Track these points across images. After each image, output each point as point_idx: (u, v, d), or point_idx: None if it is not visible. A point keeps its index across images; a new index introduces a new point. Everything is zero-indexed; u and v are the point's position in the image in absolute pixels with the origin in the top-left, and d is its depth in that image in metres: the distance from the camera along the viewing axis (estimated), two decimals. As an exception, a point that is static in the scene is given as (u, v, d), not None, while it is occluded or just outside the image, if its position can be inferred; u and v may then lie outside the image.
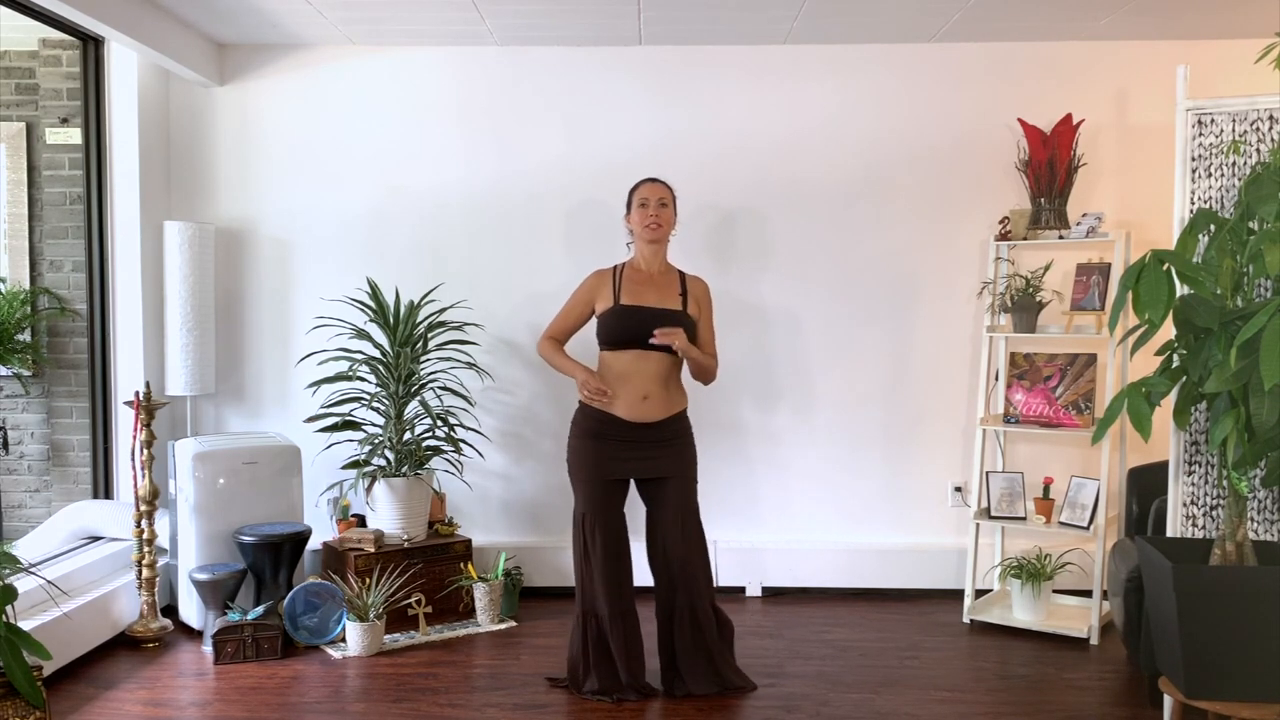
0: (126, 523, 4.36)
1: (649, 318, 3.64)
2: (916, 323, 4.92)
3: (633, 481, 3.75)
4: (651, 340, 3.59)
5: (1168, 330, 3.21)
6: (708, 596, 3.70)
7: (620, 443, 3.66)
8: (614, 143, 4.88)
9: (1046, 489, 4.48)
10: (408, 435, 4.58)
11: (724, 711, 3.57)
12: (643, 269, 3.77)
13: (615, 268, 3.81)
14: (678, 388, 3.75)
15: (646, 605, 3.76)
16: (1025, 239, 4.56)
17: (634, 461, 3.67)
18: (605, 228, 4.83)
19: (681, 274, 3.82)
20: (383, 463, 4.55)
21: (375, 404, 4.56)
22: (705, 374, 3.80)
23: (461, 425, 4.70)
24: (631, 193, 3.81)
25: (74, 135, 4.65)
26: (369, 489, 4.53)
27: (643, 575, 3.79)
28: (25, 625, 3.35)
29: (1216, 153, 3.50)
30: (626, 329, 3.65)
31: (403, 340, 4.56)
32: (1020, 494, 4.50)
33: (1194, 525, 3.50)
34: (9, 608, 3.10)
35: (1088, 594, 4.44)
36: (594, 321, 3.80)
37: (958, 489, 4.92)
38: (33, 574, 3.63)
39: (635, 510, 3.78)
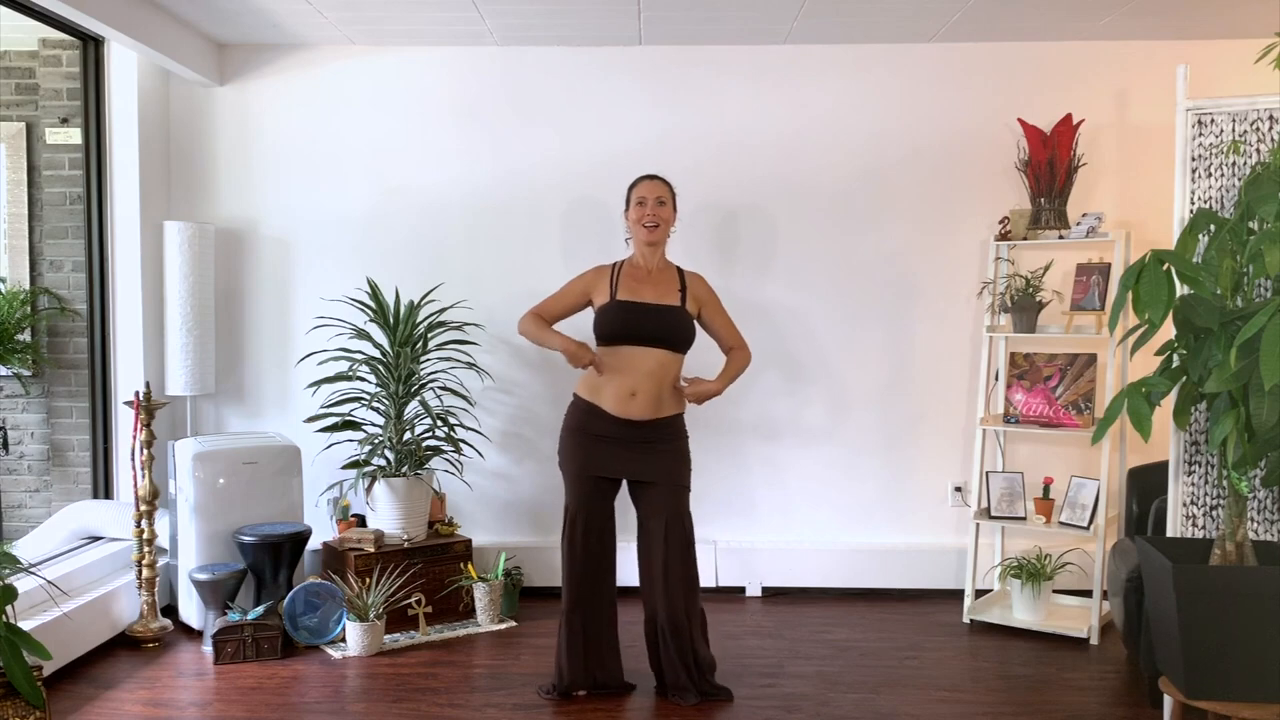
0: (126, 523, 4.36)
1: (644, 313, 3.63)
2: (916, 323, 4.92)
3: (625, 483, 3.72)
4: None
5: (1168, 330, 3.20)
6: (683, 607, 3.59)
7: (605, 439, 3.62)
8: (614, 142, 4.88)
9: (1046, 489, 4.48)
10: (408, 435, 4.58)
11: (724, 712, 3.57)
12: (641, 266, 3.75)
13: (615, 264, 3.79)
14: (672, 392, 3.67)
15: (634, 606, 3.73)
16: (1025, 239, 4.56)
17: (618, 460, 3.62)
18: (605, 227, 4.83)
19: (680, 270, 3.79)
20: (383, 463, 4.55)
21: (375, 404, 4.56)
22: (744, 371, 3.81)
23: (461, 425, 4.70)
24: (630, 189, 3.77)
25: (74, 135, 4.65)
26: (369, 489, 4.52)
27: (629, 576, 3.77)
28: (25, 625, 3.35)
29: (1216, 153, 3.49)
30: (621, 324, 3.63)
31: (403, 340, 4.56)
32: (1020, 494, 4.49)
33: (1194, 525, 3.50)
34: (9, 608, 3.09)
35: (1088, 594, 4.44)
36: (591, 318, 3.76)
37: (958, 489, 4.92)
38: (33, 574, 3.62)
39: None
